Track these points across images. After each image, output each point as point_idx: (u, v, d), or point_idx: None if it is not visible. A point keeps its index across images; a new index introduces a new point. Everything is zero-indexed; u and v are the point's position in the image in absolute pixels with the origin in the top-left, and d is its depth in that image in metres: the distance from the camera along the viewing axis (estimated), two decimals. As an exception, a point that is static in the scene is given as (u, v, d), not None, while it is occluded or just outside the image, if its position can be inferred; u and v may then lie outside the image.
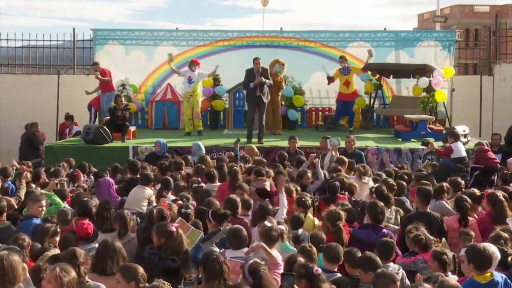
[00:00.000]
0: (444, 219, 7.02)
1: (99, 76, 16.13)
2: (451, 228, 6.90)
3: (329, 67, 16.29)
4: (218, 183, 9.07)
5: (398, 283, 4.79)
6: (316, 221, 7.28)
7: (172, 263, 5.44)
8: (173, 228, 5.68)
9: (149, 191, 8.47)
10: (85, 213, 6.80)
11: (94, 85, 17.09)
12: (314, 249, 5.51)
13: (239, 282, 4.68)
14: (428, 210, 7.06)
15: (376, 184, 8.28)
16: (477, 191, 7.84)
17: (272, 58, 16.13)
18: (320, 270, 4.88)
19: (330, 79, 15.86)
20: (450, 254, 5.55)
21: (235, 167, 9.08)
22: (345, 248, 5.83)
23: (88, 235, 6.22)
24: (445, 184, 8.07)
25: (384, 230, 6.42)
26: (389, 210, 7.37)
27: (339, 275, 5.33)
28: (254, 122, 14.06)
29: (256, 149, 12.21)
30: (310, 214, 7.32)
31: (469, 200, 7.20)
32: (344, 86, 15.67)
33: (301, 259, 5.24)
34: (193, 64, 15.34)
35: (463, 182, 8.93)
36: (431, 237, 5.93)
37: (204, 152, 12.14)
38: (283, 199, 7.40)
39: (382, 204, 6.68)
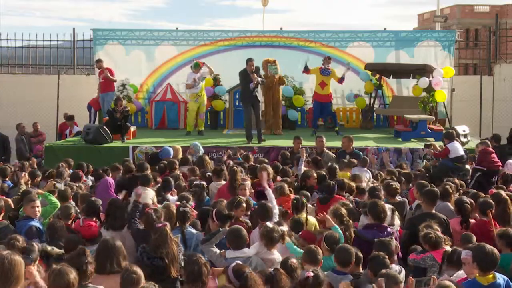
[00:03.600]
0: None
1: (108, 75, 16.12)
2: (454, 231, 6.85)
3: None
4: (222, 182, 9.02)
5: (402, 284, 4.78)
6: (313, 220, 7.27)
7: (161, 261, 5.44)
8: (159, 225, 5.70)
9: (151, 192, 8.43)
10: (92, 212, 6.88)
11: (94, 85, 17.09)
12: (320, 250, 5.47)
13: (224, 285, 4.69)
14: (433, 211, 6.99)
15: (371, 185, 8.29)
16: (482, 194, 7.78)
17: (272, 58, 16.13)
18: (311, 275, 4.84)
19: (307, 70, 15.41)
20: None
21: (234, 167, 9.05)
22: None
23: (94, 236, 6.22)
24: (449, 186, 8.03)
25: (389, 229, 6.41)
26: None
27: (350, 277, 5.27)
28: (252, 122, 14.09)
29: (181, 150, 11.96)
30: (305, 215, 7.26)
31: (469, 202, 7.14)
32: (319, 86, 15.34)
33: (293, 260, 5.23)
34: (196, 66, 15.37)
35: (459, 182, 8.93)
36: (441, 235, 5.93)
37: (202, 152, 12.10)
38: (269, 194, 7.29)
39: (382, 203, 6.68)
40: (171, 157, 11.48)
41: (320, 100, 15.44)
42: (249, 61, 13.77)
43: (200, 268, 4.77)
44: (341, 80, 15.54)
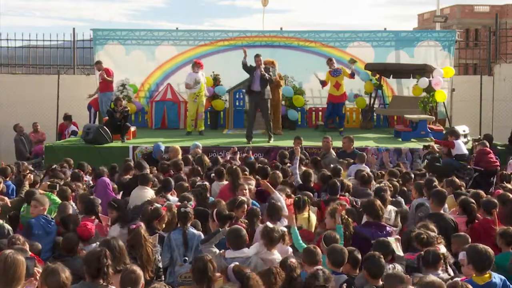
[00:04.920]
0: None
1: (105, 76, 16.11)
2: (459, 231, 6.82)
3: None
4: (225, 182, 9.04)
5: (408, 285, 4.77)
6: (312, 216, 7.29)
7: (135, 262, 5.41)
8: (133, 226, 5.72)
9: (151, 192, 8.43)
10: (90, 211, 6.94)
11: (94, 85, 17.06)
12: (319, 250, 5.46)
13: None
14: (441, 211, 7.00)
15: (376, 185, 8.29)
16: (482, 193, 7.79)
17: (272, 58, 16.12)
18: (320, 268, 4.88)
19: (323, 83, 15.75)
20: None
21: (236, 167, 9.04)
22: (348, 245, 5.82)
23: (91, 236, 6.22)
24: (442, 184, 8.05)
25: (388, 228, 6.42)
26: (389, 210, 7.35)
27: (345, 277, 5.27)
28: (258, 121, 14.03)
29: (180, 150, 11.89)
30: (307, 214, 7.29)
31: (474, 202, 7.13)
32: (334, 88, 15.49)
33: (292, 260, 5.22)
34: (196, 65, 15.38)
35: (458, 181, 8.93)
36: (433, 234, 5.92)
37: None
38: (276, 195, 7.30)
39: (379, 202, 6.68)
40: (163, 154, 11.55)
41: (334, 101, 15.63)
42: (256, 57, 13.82)
43: (205, 264, 4.79)
44: (352, 75, 15.80)
